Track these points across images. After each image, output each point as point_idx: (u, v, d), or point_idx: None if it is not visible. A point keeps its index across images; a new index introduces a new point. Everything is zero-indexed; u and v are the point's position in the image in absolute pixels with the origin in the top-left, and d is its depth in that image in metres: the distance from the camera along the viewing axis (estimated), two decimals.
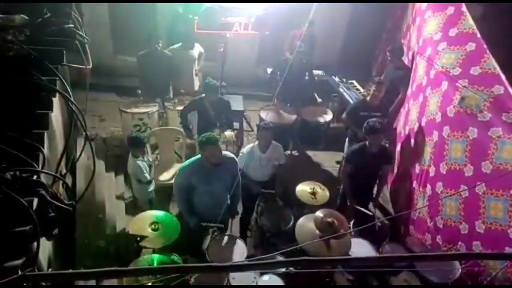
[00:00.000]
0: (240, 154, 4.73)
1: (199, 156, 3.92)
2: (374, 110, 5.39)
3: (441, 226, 4.40)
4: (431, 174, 4.63)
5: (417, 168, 5.04)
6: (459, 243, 4.18)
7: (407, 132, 5.51)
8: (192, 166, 3.90)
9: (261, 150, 4.67)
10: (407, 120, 5.57)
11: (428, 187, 4.70)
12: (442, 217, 4.41)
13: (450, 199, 4.30)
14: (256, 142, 4.72)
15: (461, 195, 4.17)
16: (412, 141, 5.29)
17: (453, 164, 4.35)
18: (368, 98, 5.50)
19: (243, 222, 4.97)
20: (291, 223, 4.52)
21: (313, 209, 4.62)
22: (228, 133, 5.52)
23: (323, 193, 5.00)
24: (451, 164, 4.38)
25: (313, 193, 4.94)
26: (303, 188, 5.02)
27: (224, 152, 4.05)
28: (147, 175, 4.64)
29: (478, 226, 3.98)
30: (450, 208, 4.30)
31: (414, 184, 5.07)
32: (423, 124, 5.03)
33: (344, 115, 5.76)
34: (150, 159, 5.00)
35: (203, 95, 5.37)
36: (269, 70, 7.32)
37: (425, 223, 4.71)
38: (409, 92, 5.68)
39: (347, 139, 5.91)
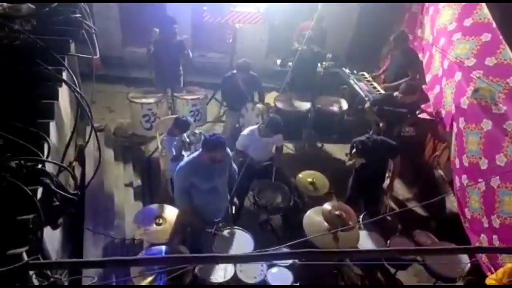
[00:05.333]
0: (240, 136, 4.79)
1: (196, 154, 3.80)
2: (400, 106, 5.29)
3: (469, 217, 4.35)
4: (457, 166, 4.58)
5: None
6: (482, 235, 4.12)
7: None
8: (191, 165, 3.75)
9: (260, 134, 4.69)
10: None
11: (456, 178, 4.65)
12: (469, 209, 4.35)
13: (473, 193, 4.24)
14: (256, 126, 4.77)
15: (480, 189, 4.10)
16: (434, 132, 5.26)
17: (471, 157, 4.29)
18: (395, 94, 5.36)
19: (236, 205, 4.99)
20: (289, 199, 4.70)
21: (313, 198, 4.79)
22: (260, 105, 5.71)
23: (323, 183, 5.01)
24: (470, 157, 4.31)
25: (313, 183, 4.97)
26: (303, 178, 5.06)
27: None
28: (173, 152, 4.64)
29: (493, 221, 3.91)
30: (474, 201, 4.24)
31: None
32: (443, 115, 4.95)
33: (367, 105, 5.68)
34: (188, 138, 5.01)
35: (235, 71, 5.61)
36: (279, 61, 7.26)
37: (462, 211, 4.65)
38: (428, 83, 5.59)
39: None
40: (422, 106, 5.62)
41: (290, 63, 6.52)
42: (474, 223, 4.23)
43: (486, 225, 4.04)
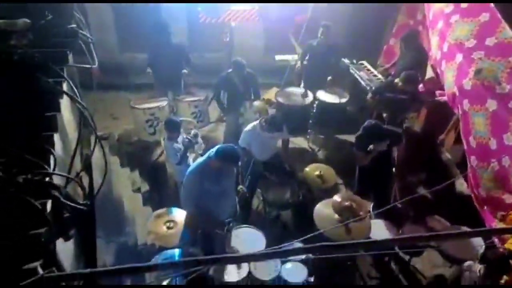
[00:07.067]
0: (243, 133, 4.78)
1: (204, 158, 3.78)
2: (401, 93, 5.25)
3: (485, 196, 4.30)
4: (465, 147, 4.54)
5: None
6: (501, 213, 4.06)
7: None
8: (201, 168, 3.74)
9: (261, 128, 4.65)
10: None
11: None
12: (483, 188, 4.30)
13: (484, 173, 4.20)
14: (258, 121, 4.72)
15: (493, 168, 4.07)
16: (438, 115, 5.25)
17: (479, 138, 4.26)
18: (396, 80, 5.32)
19: (245, 203, 4.95)
20: (298, 194, 4.73)
21: (323, 191, 4.80)
22: (258, 103, 5.66)
23: (331, 175, 5.02)
24: (478, 138, 4.28)
25: (321, 176, 4.96)
26: (310, 171, 5.05)
27: None
28: (176, 157, 4.62)
29: None
30: (487, 181, 4.20)
31: None
32: (444, 99, 4.93)
33: (369, 96, 5.65)
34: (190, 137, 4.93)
35: (230, 70, 5.54)
36: (277, 57, 7.24)
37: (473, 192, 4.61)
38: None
39: None
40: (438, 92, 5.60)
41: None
42: (492, 202, 4.19)
43: (509, 201, 4.00)
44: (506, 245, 3.42)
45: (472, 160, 4.41)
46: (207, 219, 3.89)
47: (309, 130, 6.48)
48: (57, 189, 2.02)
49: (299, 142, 6.55)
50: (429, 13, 5.39)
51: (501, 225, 3.89)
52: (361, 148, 4.53)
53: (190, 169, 3.84)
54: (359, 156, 4.61)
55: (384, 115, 5.39)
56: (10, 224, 1.82)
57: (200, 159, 3.85)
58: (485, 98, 4.16)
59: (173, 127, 4.67)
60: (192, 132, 4.81)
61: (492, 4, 4.30)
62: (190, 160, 4.68)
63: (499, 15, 4.20)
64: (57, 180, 2.19)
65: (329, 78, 6.30)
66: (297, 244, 3.17)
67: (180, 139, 4.77)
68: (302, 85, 6.50)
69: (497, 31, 4.15)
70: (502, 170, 3.98)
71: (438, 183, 4.28)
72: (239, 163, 4.10)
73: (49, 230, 1.86)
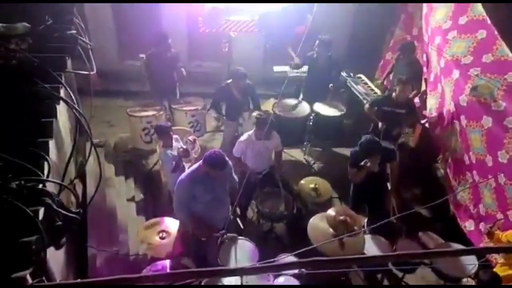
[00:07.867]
0: (237, 143, 4.74)
1: (196, 166, 3.79)
2: (398, 107, 5.29)
3: (483, 214, 4.32)
4: (466, 162, 4.56)
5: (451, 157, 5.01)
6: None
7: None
8: (191, 177, 3.75)
9: (257, 137, 4.63)
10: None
11: (468, 174, 4.62)
12: (484, 205, 4.32)
13: (486, 189, 4.21)
14: (252, 131, 4.71)
15: (491, 185, 4.08)
16: (437, 130, 5.25)
17: (477, 154, 4.28)
18: (394, 95, 5.34)
19: (240, 215, 4.92)
20: (292, 207, 4.71)
21: (317, 205, 4.77)
22: (256, 113, 5.49)
23: (326, 189, 4.99)
24: (476, 154, 4.31)
25: (316, 189, 4.94)
26: (305, 184, 5.03)
27: None
28: (171, 164, 4.57)
29: (510, 216, 3.89)
30: (487, 198, 4.21)
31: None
32: (444, 114, 4.96)
33: (366, 106, 5.66)
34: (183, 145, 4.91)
35: (229, 81, 5.52)
36: (276, 69, 7.26)
37: (468, 209, 4.61)
38: (429, 82, 5.62)
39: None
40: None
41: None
42: (489, 219, 4.18)
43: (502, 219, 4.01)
44: (495, 269, 3.41)
45: (474, 175, 4.42)
46: (200, 227, 3.87)
47: (305, 143, 6.48)
48: (50, 196, 1.99)
49: (295, 154, 6.54)
50: (427, 28, 5.46)
51: (487, 241, 3.89)
52: (354, 165, 4.51)
53: (181, 176, 3.84)
54: (352, 173, 4.58)
55: (380, 125, 5.41)
56: (0, 231, 1.79)
57: (193, 166, 3.85)
58: (481, 115, 4.20)
59: (161, 132, 4.66)
60: (190, 137, 4.80)
61: (489, 21, 4.36)
62: (186, 168, 4.66)
63: (496, 32, 4.25)
64: (50, 187, 2.16)
65: (330, 85, 6.29)
66: (290, 258, 3.14)
67: (175, 145, 4.76)
68: (301, 97, 6.52)
69: (494, 48, 4.20)
70: (498, 187, 3.99)
71: (432, 199, 4.29)
72: (232, 171, 4.08)
73: (40, 238, 1.82)
